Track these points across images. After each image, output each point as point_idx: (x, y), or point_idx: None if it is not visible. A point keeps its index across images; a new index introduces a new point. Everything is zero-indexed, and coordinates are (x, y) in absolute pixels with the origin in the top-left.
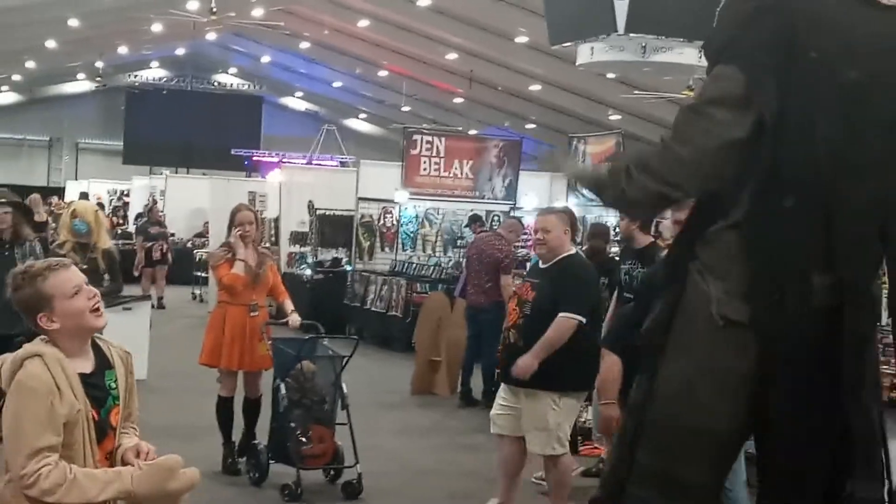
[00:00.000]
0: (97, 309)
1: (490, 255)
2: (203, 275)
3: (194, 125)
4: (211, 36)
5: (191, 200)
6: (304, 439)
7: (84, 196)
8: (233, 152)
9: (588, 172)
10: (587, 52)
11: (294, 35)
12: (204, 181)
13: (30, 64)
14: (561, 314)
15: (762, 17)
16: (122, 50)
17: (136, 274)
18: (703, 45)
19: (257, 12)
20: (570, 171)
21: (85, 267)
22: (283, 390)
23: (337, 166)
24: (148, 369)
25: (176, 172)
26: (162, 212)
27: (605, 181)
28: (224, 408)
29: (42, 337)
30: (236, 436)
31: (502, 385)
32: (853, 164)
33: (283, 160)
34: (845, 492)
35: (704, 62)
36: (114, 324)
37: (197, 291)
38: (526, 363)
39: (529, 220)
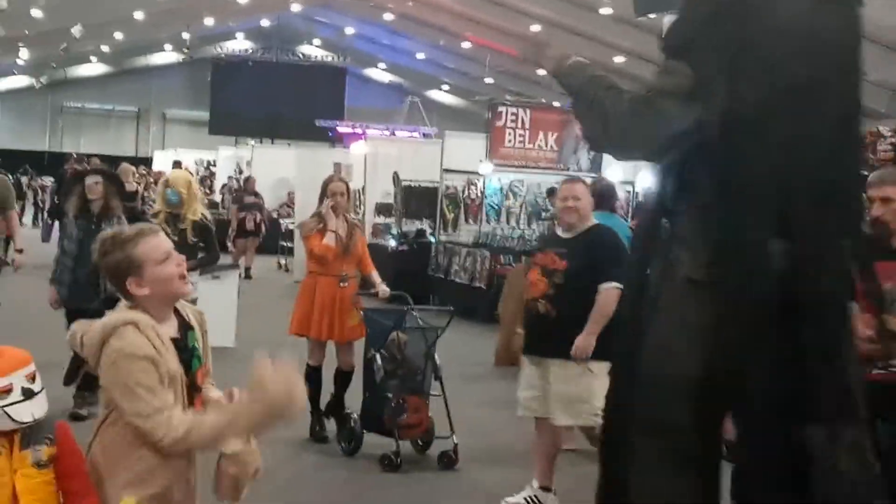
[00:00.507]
0: (184, 276)
1: None
2: (289, 245)
3: (279, 96)
4: (296, 7)
5: (276, 171)
6: (400, 410)
7: (178, 164)
8: (317, 123)
9: (574, 77)
10: None
11: (378, 6)
12: (290, 152)
13: (118, 35)
14: (605, 285)
15: (719, 20)
16: (209, 21)
17: (228, 244)
18: (664, 36)
19: None
20: (554, 65)
21: (175, 239)
22: (378, 361)
23: (419, 138)
24: (236, 338)
25: (261, 143)
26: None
27: (580, 95)
28: (312, 377)
29: (126, 303)
30: (323, 405)
31: (527, 364)
32: (805, 152)
33: (367, 132)
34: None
35: None
36: (202, 292)
37: (282, 261)
38: (586, 342)
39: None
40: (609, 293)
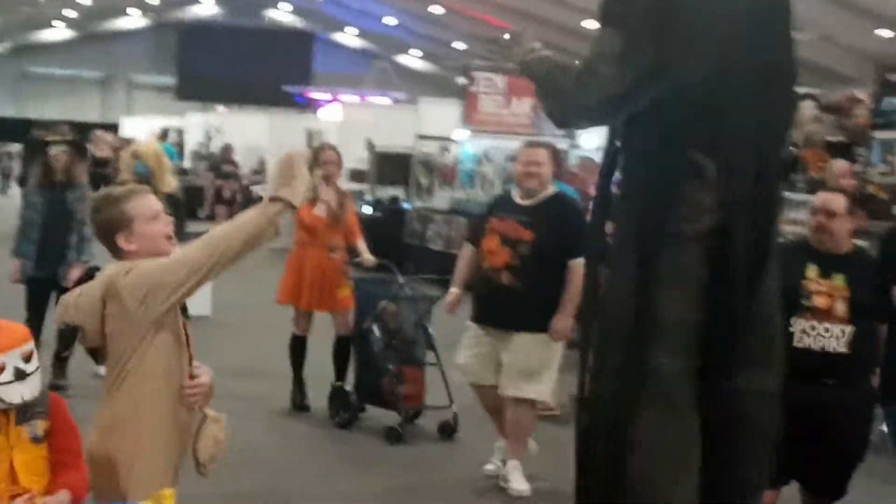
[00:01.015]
0: (171, 237)
1: None
2: None
3: (247, 61)
4: None
5: (247, 137)
6: (399, 381)
7: (165, 134)
8: (284, 89)
9: (535, 67)
10: None
11: None
12: (261, 118)
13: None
14: (576, 260)
15: None
16: None
17: (207, 213)
18: (598, 6)
19: None
20: (519, 59)
21: None
22: (376, 332)
23: (390, 104)
24: (212, 306)
25: (228, 109)
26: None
27: (541, 81)
28: (297, 346)
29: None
30: (307, 375)
31: (478, 332)
32: (727, 100)
33: (337, 97)
34: (739, 384)
35: None
36: None
37: None
38: (564, 323)
39: (597, 158)
40: (581, 269)
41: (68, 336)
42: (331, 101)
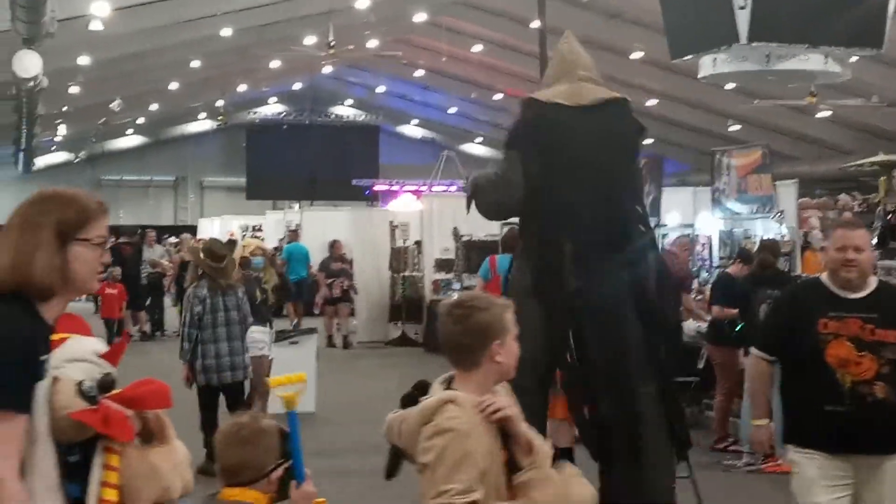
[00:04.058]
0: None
1: None
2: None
3: (314, 158)
4: (327, 69)
5: (325, 233)
6: None
7: (294, 234)
8: (354, 182)
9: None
10: (710, 64)
11: (409, 63)
12: (340, 213)
13: (153, 107)
14: None
15: (527, 127)
16: (242, 88)
17: (316, 311)
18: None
19: (372, 44)
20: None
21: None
22: None
23: (458, 192)
24: (316, 402)
25: (300, 205)
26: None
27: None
28: None
29: (440, 385)
30: None
31: (830, 465)
32: (573, 203)
33: (404, 189)
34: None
35: (829, 67)
36: (280, 358)
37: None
38: None
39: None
40: None
41: (394, 457)
42: (397, 193)
